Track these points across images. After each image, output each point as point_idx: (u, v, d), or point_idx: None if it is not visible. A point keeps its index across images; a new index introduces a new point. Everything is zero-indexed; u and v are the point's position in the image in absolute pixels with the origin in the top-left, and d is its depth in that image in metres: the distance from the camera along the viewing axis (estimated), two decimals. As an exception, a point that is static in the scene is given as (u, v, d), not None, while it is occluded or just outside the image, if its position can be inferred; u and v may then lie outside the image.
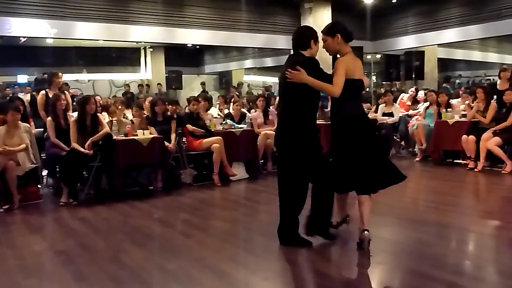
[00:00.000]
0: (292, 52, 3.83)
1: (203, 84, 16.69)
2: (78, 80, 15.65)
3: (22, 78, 14.40)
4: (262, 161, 7.56)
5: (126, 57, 16.64)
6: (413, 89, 10.08)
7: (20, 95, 9.56)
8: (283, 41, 12.13)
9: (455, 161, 7.63)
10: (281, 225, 3.71)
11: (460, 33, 12.50)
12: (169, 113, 6.84)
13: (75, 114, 6.03)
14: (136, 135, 6.04)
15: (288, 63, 3.67)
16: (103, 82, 16.49)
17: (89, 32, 9.53)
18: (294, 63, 3.54)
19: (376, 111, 9.23)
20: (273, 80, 17.86)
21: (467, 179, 6.70)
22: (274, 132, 7.40)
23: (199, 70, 18.65)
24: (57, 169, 5.98)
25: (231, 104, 8.14)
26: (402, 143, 9.28)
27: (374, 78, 18.29)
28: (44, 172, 6.40)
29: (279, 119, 4.01)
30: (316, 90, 3.55)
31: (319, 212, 3.68)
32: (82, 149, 5.58)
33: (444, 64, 17.10)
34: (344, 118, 3.59)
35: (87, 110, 5.78)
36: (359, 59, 3.77)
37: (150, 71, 16.67)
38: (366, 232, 3.48)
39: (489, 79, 15.32)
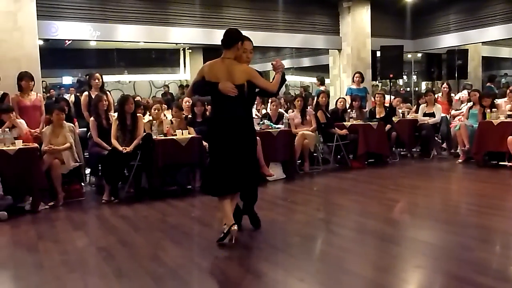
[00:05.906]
0: None
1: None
2: (119, 81, 16.04)
3: (67, 80, 14.90)
4: (299, 161, 7.53)
5: (165, 58, 16.92)
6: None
7: (66, 96, 9.90)
8: (321, 41, 12.04)
9: (500, 163, 7.36)
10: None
11: (506, 31, 12.03)
12: (207, 113, 6.90)
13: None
14: (175, 135, 6.14)
15: None
16: (143, 83, 16.84)
17: (130, 34, 9.76)
18: None
19: (416, 111, 9.03)
20: (310, 80, 17.73)
21: (513, 182, 6.46)
22: (311, 133, 7.47)
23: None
24: (100, 168, 6.16)
25: (269, 104, 8.14)
26: (444, 144, 9.04)
27: (414, 77, 17.86)
28: (87, 171, 6.60)
29: None
30: None
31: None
32: (119, 147, 5.72)
33: (489, 63, 16.51)
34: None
35: (126, 110, 5.92)
36: (232, 63, 3.95)
37: (189, 72, 16.87)
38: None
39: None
